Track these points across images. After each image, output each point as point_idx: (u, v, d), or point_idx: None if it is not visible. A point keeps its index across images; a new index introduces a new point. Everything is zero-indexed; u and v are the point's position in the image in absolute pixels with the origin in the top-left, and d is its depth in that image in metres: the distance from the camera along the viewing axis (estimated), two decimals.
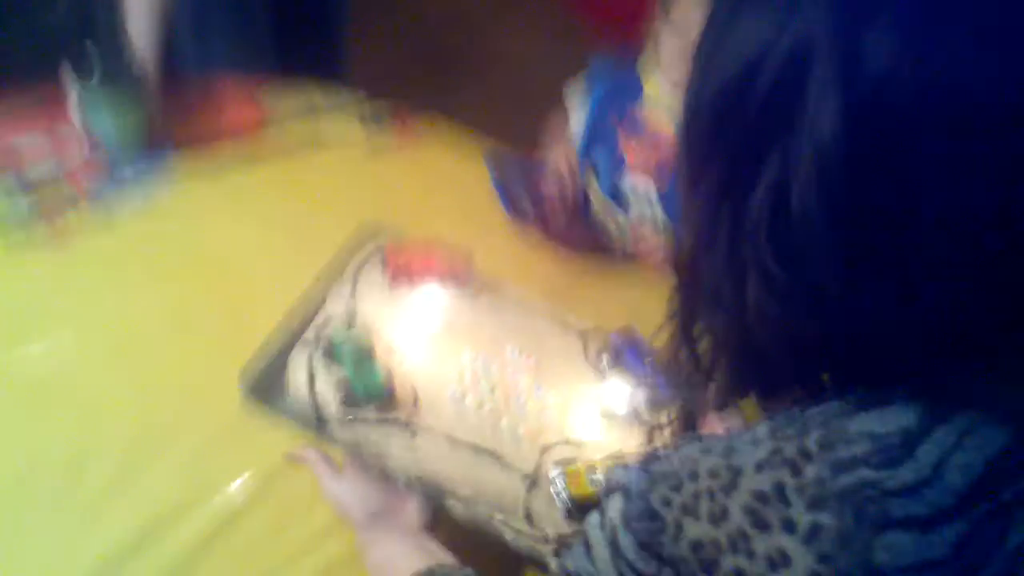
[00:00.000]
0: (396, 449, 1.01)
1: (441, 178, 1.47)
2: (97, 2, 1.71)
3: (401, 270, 1.17)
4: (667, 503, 0.60)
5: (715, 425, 1.08)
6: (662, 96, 1.48)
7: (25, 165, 1.29)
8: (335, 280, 1.15)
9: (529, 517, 0.99)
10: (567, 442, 1.08)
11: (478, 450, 1.04)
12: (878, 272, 0.55)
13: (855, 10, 0.53)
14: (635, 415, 1.12)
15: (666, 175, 1.47)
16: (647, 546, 0.61)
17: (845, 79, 0.52)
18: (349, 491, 0.97)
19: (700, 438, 0.64)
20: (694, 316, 0.69)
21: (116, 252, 1.24)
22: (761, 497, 0.57)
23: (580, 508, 0.99)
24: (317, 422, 1.02)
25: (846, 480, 0.56)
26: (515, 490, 1.01)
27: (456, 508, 0.99)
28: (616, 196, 1.50)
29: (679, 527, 0.59)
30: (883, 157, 0.53)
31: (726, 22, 0.60)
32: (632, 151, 1.50)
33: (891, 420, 0.58)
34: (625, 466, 0.67)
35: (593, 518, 0.69)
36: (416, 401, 1.06)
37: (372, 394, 1.03)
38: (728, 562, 0.58)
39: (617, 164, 1.51)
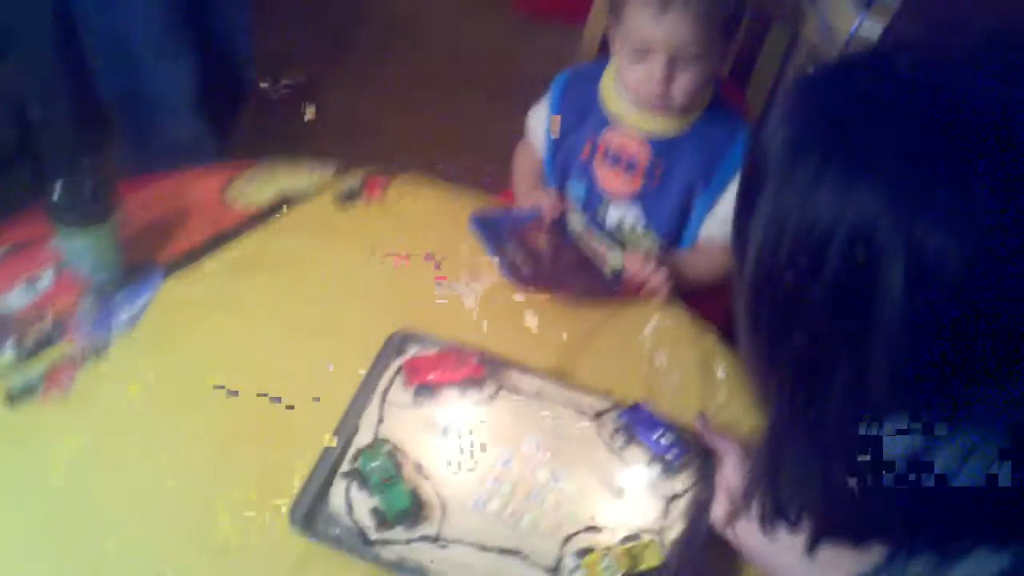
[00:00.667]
0: (429, 563, 1.13)
1: (428, 238, 1.53)
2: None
3: (423, 385, 1.28)
4: None
5: (731, 477, 1.15)
6: (628, 112, 1.55)
7: (25, 333, 1.34)
8: (365, 407, 1.27)
9: None
10: (587, 528, 1.18)
11: (503, 551, 1.15)
12: None
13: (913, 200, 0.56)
14: (650, 489, 1.21)
15: (650, 198, 1.57)
16: None
17: (915, 278, 0.56)
18: None
19: None
20: (777, 479, 0.73)
21: (129, 395, 1.29)
22: None
23: None
24: (363, 546, 1.14)
25: None
26: None
27: None
28: (602, 228, 1.59)
29: None
30: (961, 355, 0.57)
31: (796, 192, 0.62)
32: (610, 180, 1.59)
33: (988, 564, 0.63)
34: None
35: None
36: (444, 514, 1.18)
37: (400, 516, 1.15)
38: None
39: (598, 197, 1.60)
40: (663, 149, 1.54)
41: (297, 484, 1.17)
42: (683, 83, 1.47)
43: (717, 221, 1.56)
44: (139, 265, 1.44)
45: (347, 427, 1.24)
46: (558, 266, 1.51)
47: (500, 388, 1.31)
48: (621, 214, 1.60)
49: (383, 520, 1.15)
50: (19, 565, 1.12)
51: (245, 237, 1.49)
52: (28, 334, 1.33)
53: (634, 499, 1.20)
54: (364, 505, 1.16)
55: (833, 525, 0.71)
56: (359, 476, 1.18)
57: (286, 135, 2.69)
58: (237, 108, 2.43)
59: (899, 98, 0.59)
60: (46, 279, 1.41)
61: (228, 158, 2.14)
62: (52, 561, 1.12)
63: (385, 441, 1.22)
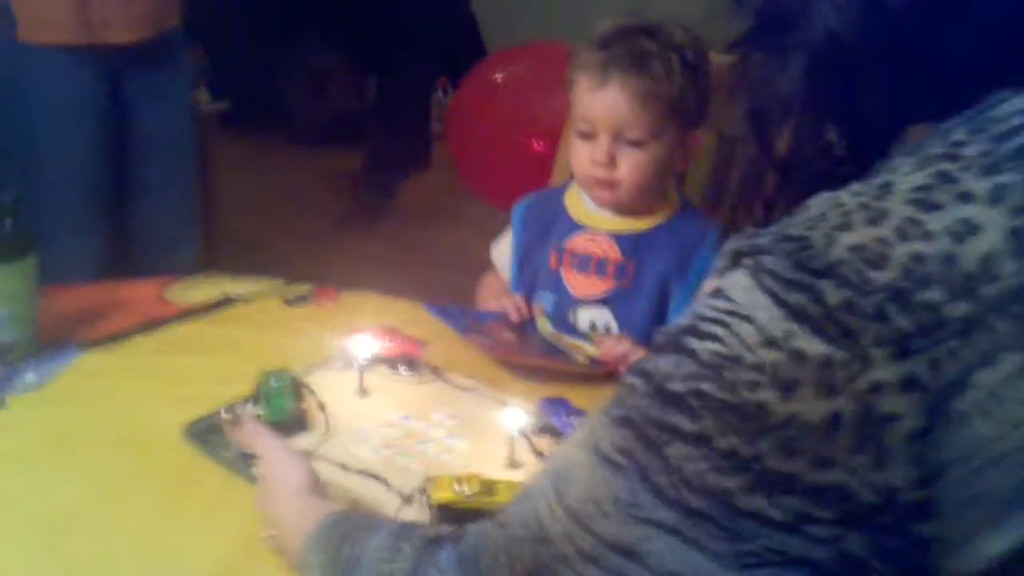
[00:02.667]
0: None
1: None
2: None
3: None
4: (811, 227, 0.60)
5: None
6: (593, 215, 1.55)
7: None
8: None
9: None
10: None
11: (364, 473, 1.09)
12: None
13: None
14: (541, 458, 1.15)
15: (622, 298, 1.52)
16: (799, 265, 0.59)
17: None
18: (290, 460, 1.01)
19: None
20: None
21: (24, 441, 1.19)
22: (923, 188, 0.59)
23: (443, 513, 1.01)
24: (241, 458, 1.11)
25: (1015, 142, 0.59)
26: (390, 506, 1.05)
27: None
28: (572, 332, 1.53)
29: (830, 238, 0.59)
30: None
31: None
32: (580, 285, 1.55)
33: None
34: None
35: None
36: (325, 435, 1.15)
37: (278, 418, 1.13)
38: (899, 251, 0.57)
39: (568, 303, 1.56)
40: (633, 247, 1.52)
41: None
42: (628, 166, 1.47)
43: None
44: (55, 342, 1.39)
45: None
46: (528, 349, 1.48)
47: (434, 377, 1.29)
48: (592, 317, 1.55)
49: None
50: None
51: (180, 325, 1.45)
52: None
53: (526, 472, 1.12)
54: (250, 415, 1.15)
55: None
56: (256, 392, 1.18)
57: None
58: None
59: None
60: None
61: None
62: None
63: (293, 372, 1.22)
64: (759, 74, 0.69)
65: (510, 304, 1.53)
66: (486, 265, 1.69)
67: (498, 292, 1.63)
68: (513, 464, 1.13)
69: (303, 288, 1.58)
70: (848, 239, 0.58)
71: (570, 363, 1.42)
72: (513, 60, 3.51)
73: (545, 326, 1.54)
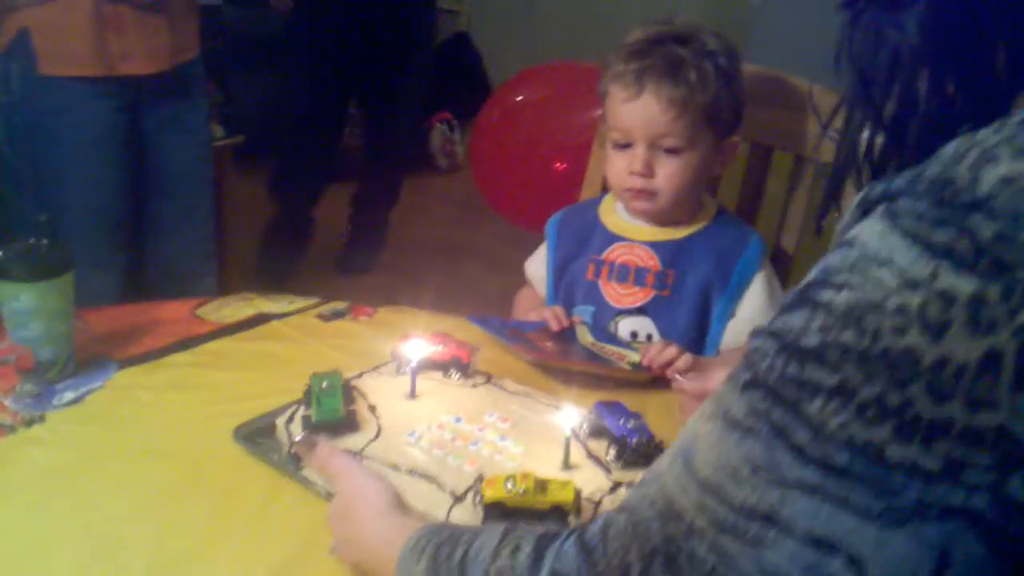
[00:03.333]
0: None
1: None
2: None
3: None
4: (950, 166, 0.58)
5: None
6: (631, 226, 1.55)
7: None
8: None
9: None
10: None
11: (413, 473, 1.07)
12: None
13: None
14: (603, 471, 1.11)
15: (663, 307, 1.52)
16: (942, 202, 0.57)
17: None
18: (372, 481, 0.99)
19: None
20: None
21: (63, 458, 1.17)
22: None
23: (495, 512, 0.98)
24: (291, 459, 1.10)
25: None
26: (442, 505, 1.02)
27: None
28: (613, 341, 1.51)
29: (976, 173, 0.56)
30: None
31: None
32: (620, 296, 1.55)
33: None
34: None
35: None
36: (376, 437, 1.12)
37: (326, 417, 1.12)
38: None
39: (607, 314, 1.55)
40: (671, 255, 1.50)
41: None
42: (665, 175, 1.48)
43: (740, 325, 1.50)
44: (92, 360, 1.37)
45: None
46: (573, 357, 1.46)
47: (486, 381, 1.28)
48: (633, 326, 1.55)
49: (308, 425, 1.12)
50: None
51: (216, 342, 1.44)
52: None
53: (581, 476, 1.09)
54: (300, 418, 1.15)
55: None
56: (306, 394, 1.16)
57: None
58: None
59: None
60: None
61: None
62: None
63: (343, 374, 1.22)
64: (870, 32, 0.67)
65: (550, 315, 1.51)
66: (500, 297, 1.68)
67: (535, 306, 1.61)
68: (567, 467, 1.10)
69: (339, 304, 1.56)
70: (996, 171, 0.56)
71: (616, 368, 1.40)
72: (534, 80, 3.52)
73: (586, 336, 1.52)
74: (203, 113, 2.39)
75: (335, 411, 1.13)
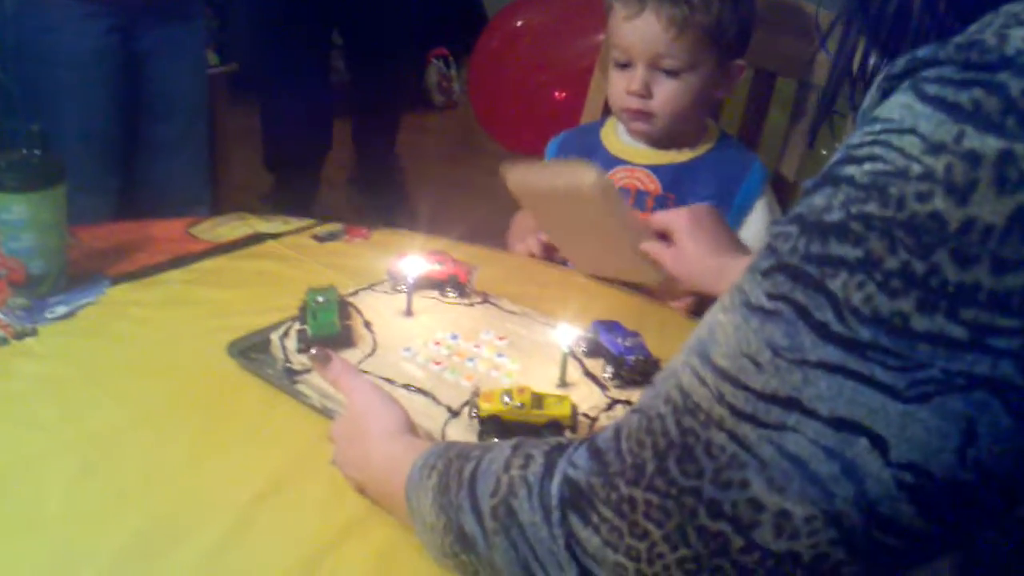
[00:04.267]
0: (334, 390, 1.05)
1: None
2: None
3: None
4: (977, 32, 0.56)
5: None
6: (632, 149, 1.52)
7: None
8: None
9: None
10: None
11: (409, 388, 1.06)
12: None
13: None
14: (599, 389, 1.10)
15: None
16: (969, 64, 0.55)
17: None
18: (385, 401, 0.97)
19: None
20: None
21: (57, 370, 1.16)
22: None
23: (490, 426, 0.97)
24: (286, 373, 1.09)
25: None
26: (438, 419, 1.01)
27: None
28: None
29: (1003, 35, 0.54)
30: None
31: None
32: None
33: None
34: None
35: None
36: (371, 352, 1.11)
37: (322, 332, 1.10)
38: None
39: None
40: (673, 179, 1.48)
41: None
42: (663, 96, 1.46)
43: None
44: (84, 276, 1.35)
45: None
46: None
47: (483, 300, 1.26)
48: None
49: (304, 339, 1.10)
50: None
51: (211, 260, 1.42)
52: None
53: (578, 393, 1.08)
54: (295, 333, 1.13)
55: None
56: (301, 309, 1.15)
57: None
58: None
59: None
60: None
61: None
62: None
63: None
64: None
65: (534, 243, 1.50)
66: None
67: (530, 231, 1.59)
68: (564, 384, 1.09)
69: (335, 226, 1.54)
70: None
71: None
72: (533, 5, 3.48)
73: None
74: (200, 36, 2.37)
75: (331, 325, 1.12)
